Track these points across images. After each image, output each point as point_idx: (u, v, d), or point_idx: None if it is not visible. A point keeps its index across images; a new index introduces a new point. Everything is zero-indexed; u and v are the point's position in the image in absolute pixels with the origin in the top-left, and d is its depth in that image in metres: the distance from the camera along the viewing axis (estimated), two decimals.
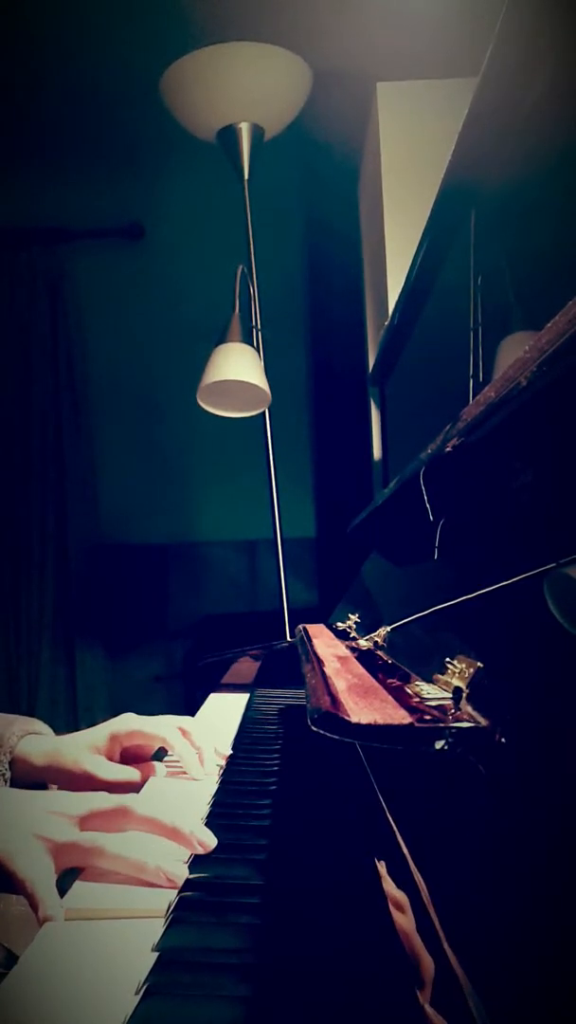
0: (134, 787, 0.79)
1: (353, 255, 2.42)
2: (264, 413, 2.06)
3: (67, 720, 2.50)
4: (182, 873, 0.56)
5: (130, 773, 0.81)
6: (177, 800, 0.76)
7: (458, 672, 0.55)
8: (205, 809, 0.72)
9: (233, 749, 0.94)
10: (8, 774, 0.77)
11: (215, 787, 0.78)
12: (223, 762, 0.87)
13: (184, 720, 0.88)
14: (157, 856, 0.57)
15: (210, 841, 0.60)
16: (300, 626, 1.16)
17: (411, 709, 0.50)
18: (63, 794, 0.67)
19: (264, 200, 2.16)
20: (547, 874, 0.34)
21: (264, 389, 1.92)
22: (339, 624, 1.15)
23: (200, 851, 0.59)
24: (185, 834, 0.60)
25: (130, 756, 0.85)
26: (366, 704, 0.51)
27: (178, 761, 0.85)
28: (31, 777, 0.79)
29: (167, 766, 0.86)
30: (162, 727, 0.85)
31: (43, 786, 0.80)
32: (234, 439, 2.44)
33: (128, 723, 0.84)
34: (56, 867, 0.57)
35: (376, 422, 2.05)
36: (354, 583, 1.49)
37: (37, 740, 0.81)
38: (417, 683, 0.61)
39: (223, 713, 1.24)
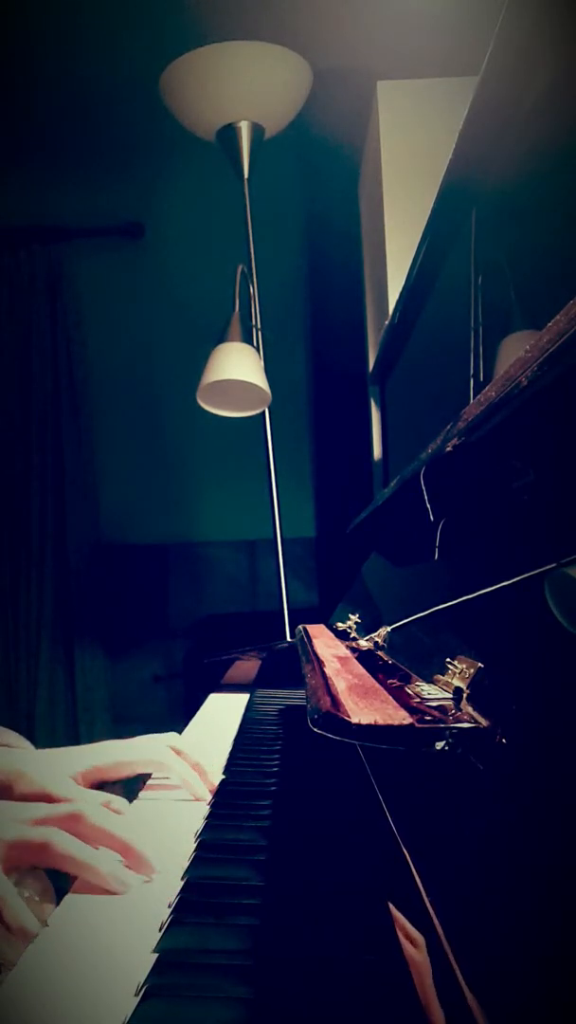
0: None
1: (353, 254, 2.42)
2: (264, 413, 2.05)
3: (66, 721, 2.50)
4: (133, 883, 0.54)
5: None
6: (176, 802, 0.75)
7: (459, 672, 0.55)
8: (205, 809, 0.71)
9: (233, 749, 0.94)
10: None
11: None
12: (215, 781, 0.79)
13: (171, 738, 0.81)
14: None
15: (148, 871, 0.56)
16: (300, 626, 1.16)
17: (412, 710, 0.50)
18: (11, 804, 0.61)
19: (264, 199, 2.16)
20: (548, 876, 0.33)
21: (264, 389, 1.92)
22: (339, 624, 1.15)
23: (143, 876, 0.56)
24: (136, 853, 0.56)
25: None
26: (366, 704, 0.51)
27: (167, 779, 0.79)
28: None
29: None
30: (152, 752, 0.77)
31: None
32: (234, 439, 2.44)
33: (111, 754, 0.76)
34: (5, 868, 0.54)
35: (376, 422, 2.05)
36: (354, 583, 1.49)
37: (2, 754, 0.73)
38: (418, 683, 0.61)
39: (223, 713, 1.24)
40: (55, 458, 2.57)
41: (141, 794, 0.78)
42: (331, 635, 1.07)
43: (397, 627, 0.86)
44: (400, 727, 0.46)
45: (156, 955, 0.46)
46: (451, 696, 0.53)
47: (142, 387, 2.62)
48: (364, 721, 0.47)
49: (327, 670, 0.67)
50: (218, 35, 1.92)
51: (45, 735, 2.45)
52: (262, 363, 1.98)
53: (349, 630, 1.09)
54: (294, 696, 1.35)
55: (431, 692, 0.57)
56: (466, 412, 0.61)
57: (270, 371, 1.98)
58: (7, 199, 2.59)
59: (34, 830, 0.55)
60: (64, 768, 0.73)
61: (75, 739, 2.45)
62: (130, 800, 0.73)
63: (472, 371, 0.97)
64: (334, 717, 0.48)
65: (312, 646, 0.88)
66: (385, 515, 1.16)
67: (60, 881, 0.57)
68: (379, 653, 0.85)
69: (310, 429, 2.62)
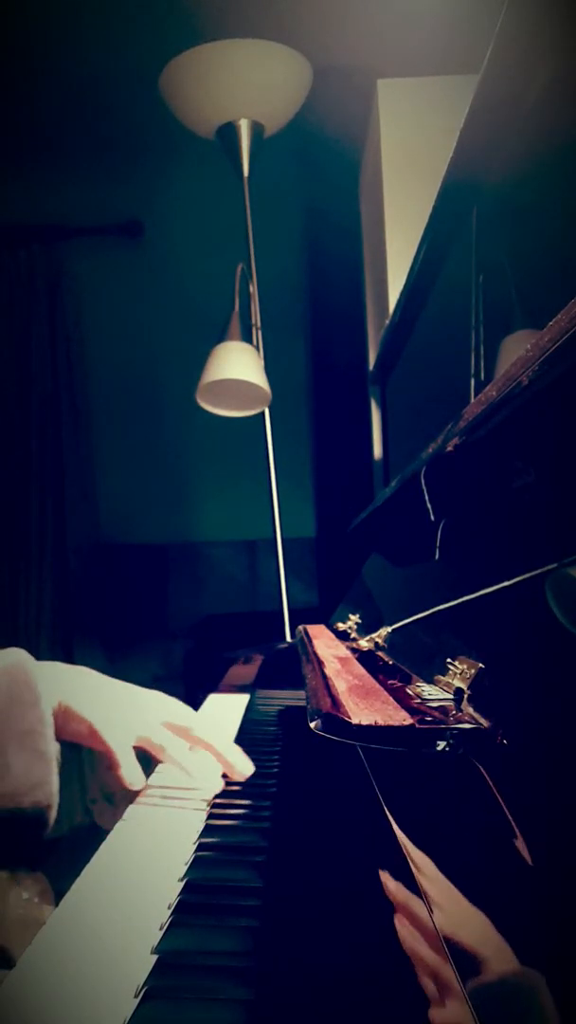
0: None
1: (354, 253, 2.42)
2: (264, 412, 2.05)
3: None
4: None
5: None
6: (175, 803, 0.75)
7: (459, 673, 0.55)
8: (205, 810, 0.71)
9: None
10: None
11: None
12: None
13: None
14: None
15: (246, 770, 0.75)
16: (300, 627, 1.16)
17: (412, 710, 0.50)
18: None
19: (264, 198, 2.16)
20: (549, 878, 0.33)
21: (264, 388, 1.91)
22: (340, 625, 1.14)
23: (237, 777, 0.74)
24: (225, 760, 0.76)
25: None
26: (367, 705, 0.51)
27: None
28: None
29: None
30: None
31: None
32: (234, 439, 2.44)
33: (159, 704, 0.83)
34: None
35: (377, 421, 2.05)
36: (355, 583, 1.48)
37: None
38: (418, 684, 0.61)
39: (223, 714, 1.23)
40: (55, 458, 2.56)
41: (139, 798, 0.78)
42: (331, 635, 1.07)
43: (397, 627, 0.86)
44: (401, 728, 0.46)
45: (156, 956, 0.46)
46: (452, 697, 0.53)
47: (142, 386, 2.62)
48: (364, 722, 0.47)
49: (327, 671, 0.67)
50: (218, 33, 1.92)
51: None
52: (262, 362, 1.98)
53: (349, 630, 1.09)
54: (294, 697, 1.35)
55: (432, 693, 0.57)
56: (467, 411, 0.61)
57: (270, 370, 1.98)
58: (7, 198, 2.58)
59: (159, 731, 0.73)
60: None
61: None
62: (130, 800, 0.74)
63: (473, 370, 0.97)
64: (334, 718, 0.48)
65: (312, 646, 0.88)
66: (386, 515, 1.16)
67: (59, 883, 0.57)
68: (379, 654, 0.85)
69: (310, 429, 2.61)
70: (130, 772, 0.68)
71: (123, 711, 0.73)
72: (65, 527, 2.55)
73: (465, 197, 1.01)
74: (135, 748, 0.71)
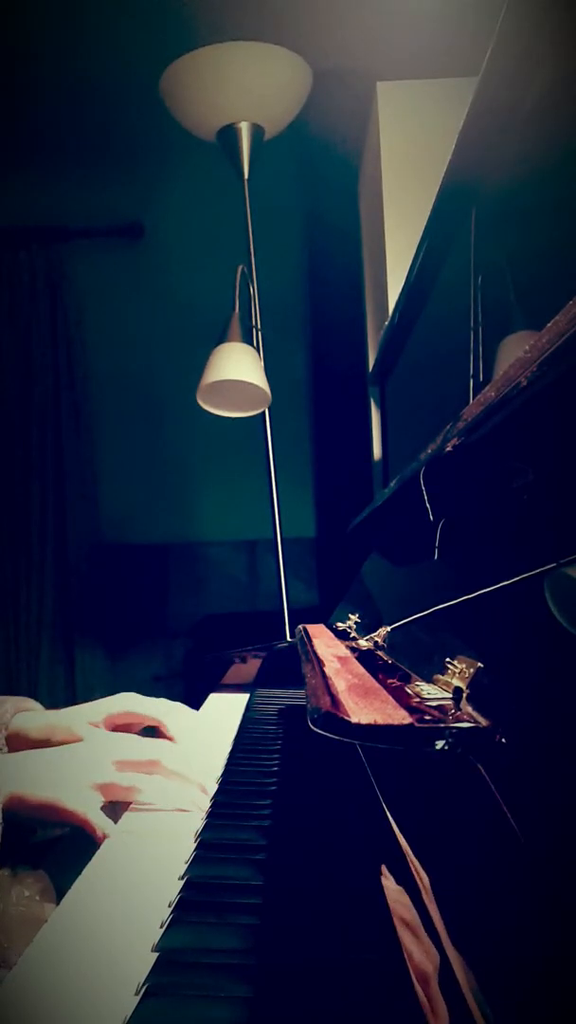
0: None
1: (353, 254, 2.42)
2: (264, 413, 2.05)
3: None
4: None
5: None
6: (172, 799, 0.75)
7: (458, 672, 0.55)
8: (206, 808, 0.71)
9: (233, 748, 0.94)
10: (5, 748, 0.81)
11: (214, 788, 0.78)
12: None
13: (180, 706, 0.93)
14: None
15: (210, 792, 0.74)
16: (300, 626, 1.16)
17: (411, 709, 0.50)
18: (102, 741, 0.78)
19: (264, 200, 2.16)
20: (547, 877, 0.33)
21: (264, 389, 1.92)
22: (339, 624, 1.15)
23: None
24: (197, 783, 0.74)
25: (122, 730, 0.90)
26: (366, 704, 0.51)
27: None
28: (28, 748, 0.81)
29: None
30: (158, 711, 0.90)
31: None
32: (234, 439, 2.44)
33: (124, 703, 0.90)
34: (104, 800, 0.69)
35: (376, 422, 2.05)
36: (354, 583, 1.48)
37: (31, 716, 0.86)
38: (417, 683, 0.61)
39: (223, 713, 1.24)
40: (55, 458, 2.57)
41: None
42: (331, 635, 1.07)
43: (397, 627, 0.86)
44: (400, 727, 0.46)
45: (156, 954, 0.46)
46: (451, 696, 0.53)
47: (142, 387, 2.62)
48: (364, 721, 0.47)
49: (327, 670, 0.67)
50: (218, 36, 1.92)
51: None
52: (262, 363, 1.98)
53: (349, 630, 1.09)
54: (294, 696, 1.35)
55: (431, 692, 0.57)
56: (466, 412, 0.61)
57: (270, 371, 1.98)
58: (7, 199, 2.59)
59: (122, 775, 0.71)
60: (91, 718, 0.87)
61: None
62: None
63: (472, 371, 0.97)
64: (334, 717, 0.48)
65: (312, 646, 0.88)
66: (385, 515, 1.16)
67: (60, 880, 0.57)
68: (379, 653, 0.85)
69: (310, 429, 2.62)
70: (105, 826, 0.67)
71: (76, 767, 0.72)
72: (65, 527, 2.55)
73: (464, 199, 1.02)
74: (107, 798, 0.70)
